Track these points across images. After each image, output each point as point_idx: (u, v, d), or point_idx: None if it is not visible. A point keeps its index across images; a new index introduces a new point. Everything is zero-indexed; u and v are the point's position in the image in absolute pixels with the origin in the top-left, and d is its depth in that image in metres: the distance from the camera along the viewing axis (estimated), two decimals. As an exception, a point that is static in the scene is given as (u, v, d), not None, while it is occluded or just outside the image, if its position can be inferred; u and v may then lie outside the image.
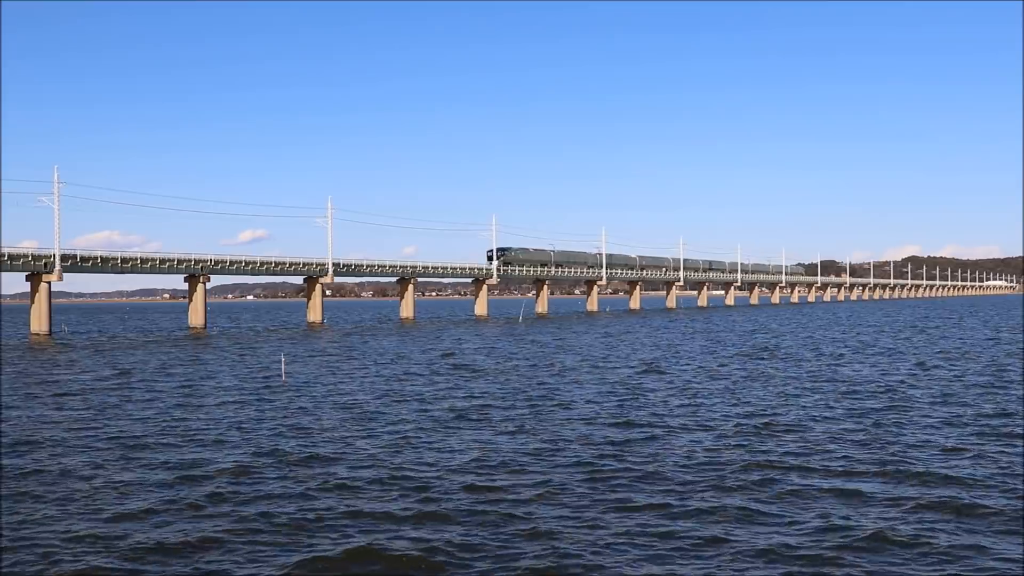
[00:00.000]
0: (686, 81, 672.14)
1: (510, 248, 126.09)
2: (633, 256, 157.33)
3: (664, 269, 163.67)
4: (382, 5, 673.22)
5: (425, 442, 19.68)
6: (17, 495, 14.94)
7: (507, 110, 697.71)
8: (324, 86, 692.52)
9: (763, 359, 42.37)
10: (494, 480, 15.77)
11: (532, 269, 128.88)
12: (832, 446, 18.68)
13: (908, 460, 17.08)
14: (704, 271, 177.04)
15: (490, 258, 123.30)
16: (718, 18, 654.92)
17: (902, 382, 30.98)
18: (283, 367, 38.04)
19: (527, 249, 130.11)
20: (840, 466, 16.63)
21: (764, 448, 18.54)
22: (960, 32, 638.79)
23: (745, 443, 19.06)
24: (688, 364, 39.89)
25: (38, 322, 75.30)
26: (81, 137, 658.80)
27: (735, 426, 21.37)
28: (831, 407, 24.75)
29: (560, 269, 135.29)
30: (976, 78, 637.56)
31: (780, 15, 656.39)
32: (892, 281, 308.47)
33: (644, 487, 15.14)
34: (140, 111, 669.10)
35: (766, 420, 22.36)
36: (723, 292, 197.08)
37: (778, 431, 20.78)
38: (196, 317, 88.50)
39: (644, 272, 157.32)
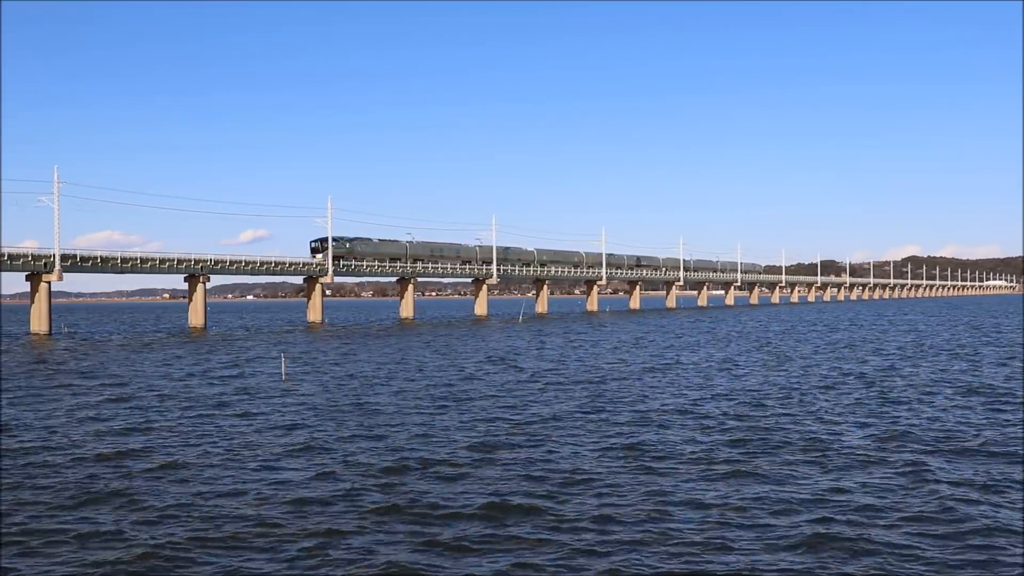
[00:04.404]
0: (686, 81, 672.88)
1: (343, 238, 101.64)
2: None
3: (664, 269, 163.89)
4: (382, 5, 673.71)
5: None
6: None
7: (508, 110, 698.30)
8: (324, 86, 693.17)
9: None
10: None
11: (375, 264, 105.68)
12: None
13: None
14: (630, 267, 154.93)
15: (315, 251, 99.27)
16: (718, 18, 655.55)
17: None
18: (283, 367, 38.00)
19: (371, 240, 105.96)
20: None
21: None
22: (960, 32, 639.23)
23: None
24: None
25: (38, 322, 75.27)
26: (81, 137, 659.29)
27: None
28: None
29: (425, 264, 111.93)
30: (976, 78, 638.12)
31: (780, 15, 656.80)
32: (892, 281, 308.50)
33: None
34: (140, 111, 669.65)
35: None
36: (723, 292, 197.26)
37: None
38: (196, 317, 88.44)
39: (644, 272, 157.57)
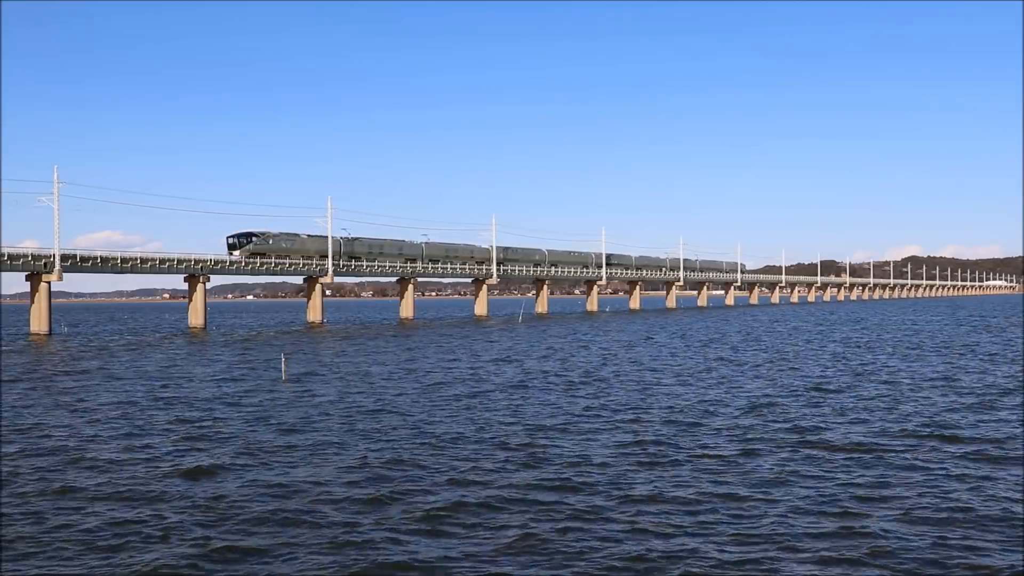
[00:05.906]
0: (686, 82, 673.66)
1: (266, 232, 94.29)
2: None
3: (663, 269, 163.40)
4: (383, 5, 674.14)
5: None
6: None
7: (508, 110, 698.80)
8: (324, 86, 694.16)
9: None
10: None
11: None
12: None
13: None
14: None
15: (231, 247, 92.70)
16: (718, 18, 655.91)
17: None
18: (283, 367, 37.93)
19: (297, 235, 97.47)
20: None
21: None
22: (960, 32, 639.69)
23: None
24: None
25: (38, 322, 75.20)
26: (81, 137, 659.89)
27: None
28: None
29: (357, 262, 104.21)
30: (976, 78, 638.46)
31: (780, 15, 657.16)
32: (892, 281, 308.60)
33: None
34: (139, 111, 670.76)
35: None
36: (723, 292, 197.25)
37: None
38: (196, 317, 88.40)
39: (643, 272, 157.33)
